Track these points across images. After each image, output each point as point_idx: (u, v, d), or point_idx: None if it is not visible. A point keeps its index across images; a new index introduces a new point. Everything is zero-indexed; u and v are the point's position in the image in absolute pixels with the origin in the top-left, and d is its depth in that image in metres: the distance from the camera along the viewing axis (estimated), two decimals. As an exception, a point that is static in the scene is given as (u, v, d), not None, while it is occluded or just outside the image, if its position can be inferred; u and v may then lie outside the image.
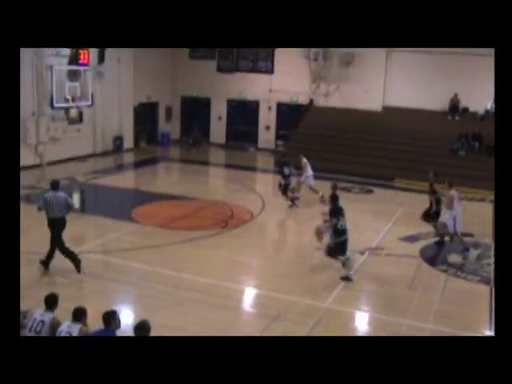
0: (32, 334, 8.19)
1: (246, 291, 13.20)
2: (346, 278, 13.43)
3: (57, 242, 13.24)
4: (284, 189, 19.48)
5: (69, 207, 13.27)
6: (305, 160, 20.06)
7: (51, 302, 8.46)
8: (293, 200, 19.48)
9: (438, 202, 15.90)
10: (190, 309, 11.68)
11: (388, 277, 13.88)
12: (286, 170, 19.50)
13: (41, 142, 24.24)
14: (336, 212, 13.44)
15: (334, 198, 13.82)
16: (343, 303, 12.40)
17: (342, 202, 13.85)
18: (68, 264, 13.26)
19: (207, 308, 11.72)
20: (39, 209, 13.26)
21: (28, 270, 13.18)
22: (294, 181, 19.74)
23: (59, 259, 13.24)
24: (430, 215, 16.09)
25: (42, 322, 8.21)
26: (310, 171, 19.90)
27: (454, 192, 15.56)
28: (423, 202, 16.87)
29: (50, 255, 13.28)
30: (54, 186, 13.26)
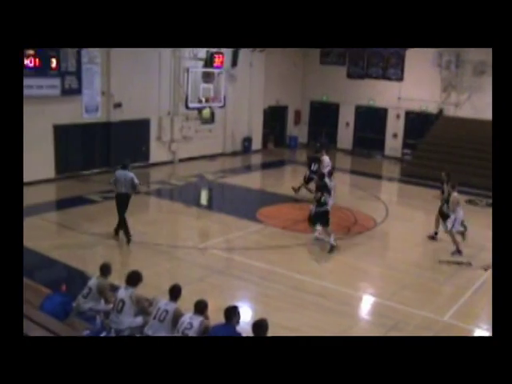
0: (156, 322, 8.49)
1: (364, 298, 13.04)
2: (332, 248, 14.98)
3: (120, 214, 14.87)
4: (307, 181, 19.93)
5: (133, 186, 14.80)
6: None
7: (175, 292, 8.69)
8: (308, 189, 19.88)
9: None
10: (307, 311, 11.67)
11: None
12: (314, 166, 19.91)
13: (174, 140, 25.14)
14: (322, 187, 15.66)
15: (321, 176, 16.38)
16: (463, 319, 11.94)
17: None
18: (197, 259, 13.65)
19: (325, 312, 11.67)
20: (110, 183, 15.21)
21: (156, 261, 13.76)
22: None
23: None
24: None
25: (166, 311, 8.48)
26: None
27: (456, 194, 15.34)
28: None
29: (121, 225, 14.99)
30: (125, 165, 15.03)
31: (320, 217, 15.36)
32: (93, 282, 9.48)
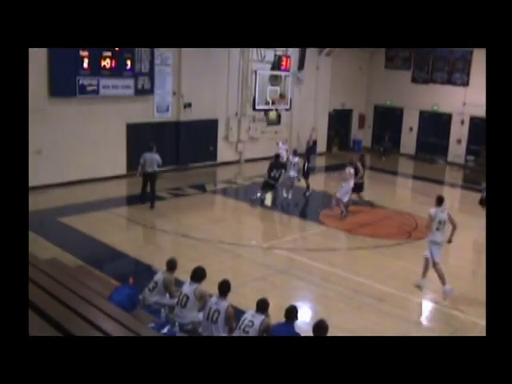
0: (208, 324, 8.45)
1: (423, 304, 12.79)
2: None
3: (152, 188, 17.63)
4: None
5: (158, 165, 17.56)
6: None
7: (224, 288, 8.63)
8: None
9: None
10: (366, 314, 11.52)
11: None
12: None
13: (241, 141, 25.27)
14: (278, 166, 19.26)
15: (277, 157, 19.81)
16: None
17: None
18: (259, 258, 13.68)
19: (383, 316, 11.48)
20: (140, 164, 17.51)
21: (220, 259, 13.84)
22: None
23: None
24: None
25: (218, 311, 8.40)
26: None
27: None
28: None
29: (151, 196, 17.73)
30: (151, 148, 17.49)
31: (266, 186, 19.02)
32: (159, 277, 9.60)
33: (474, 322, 11.52)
